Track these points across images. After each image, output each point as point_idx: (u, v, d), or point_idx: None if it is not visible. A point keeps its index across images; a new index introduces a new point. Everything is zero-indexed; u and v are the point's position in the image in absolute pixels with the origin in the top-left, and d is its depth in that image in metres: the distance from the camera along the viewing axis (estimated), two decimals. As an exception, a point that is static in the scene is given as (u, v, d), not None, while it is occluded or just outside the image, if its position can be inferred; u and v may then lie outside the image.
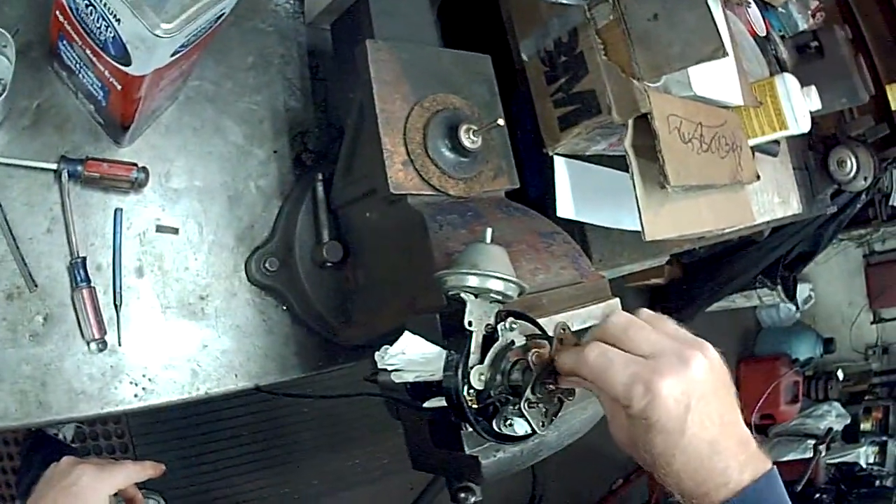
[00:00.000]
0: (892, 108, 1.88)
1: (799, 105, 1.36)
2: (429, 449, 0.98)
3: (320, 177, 1.11)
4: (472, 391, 0.74)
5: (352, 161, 1.07)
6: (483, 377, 0.73)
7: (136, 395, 1.03)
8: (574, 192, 1.19)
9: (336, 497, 2.44)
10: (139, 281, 1.05)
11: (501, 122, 0.98)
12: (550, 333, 0.76)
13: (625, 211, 1.18)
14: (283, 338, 1.14)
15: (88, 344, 1.00)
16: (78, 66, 0.93)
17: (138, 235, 1.06)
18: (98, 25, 0.79)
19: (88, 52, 0.87)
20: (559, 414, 0.77)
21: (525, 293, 0.89)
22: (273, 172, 1.17)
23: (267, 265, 1.12)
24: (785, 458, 2.85)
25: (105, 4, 0.75)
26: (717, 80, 1.21)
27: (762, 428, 3.12)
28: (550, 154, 1.16)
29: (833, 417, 3.10)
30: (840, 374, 3.31)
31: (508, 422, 0.75)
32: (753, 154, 1.46)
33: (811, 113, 1.40)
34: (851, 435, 3.10)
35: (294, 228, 1.12)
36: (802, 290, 3.09)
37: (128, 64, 0.82)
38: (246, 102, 1.15)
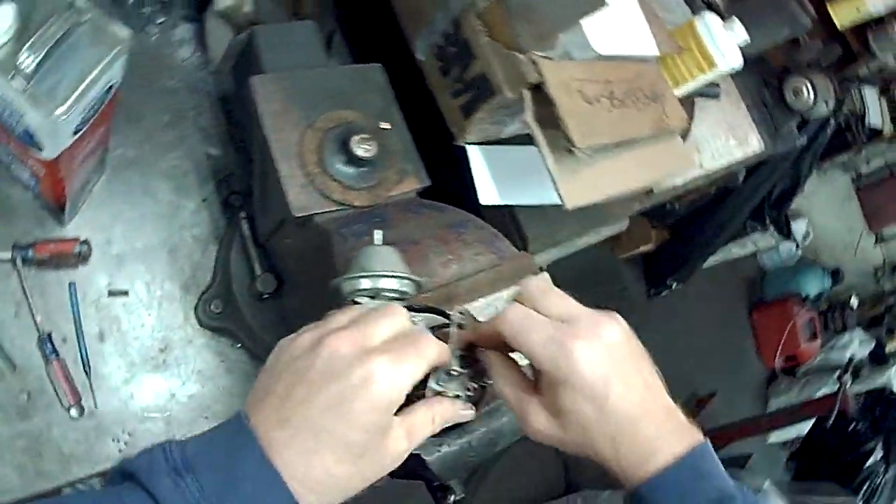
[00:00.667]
0: (838, 27, 1.81)
1: (724, 41, 1.32)
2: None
3: (243, 214, 1.15)
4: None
5: (264, 194, 1.11)
6: None
7: (119, 451, 1.10)
8: (494, 176, 1.19)
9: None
10: (102, 345, 1.11)
11: (385, 125, 1.00)
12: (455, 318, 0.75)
13: (551, 186, 1.17)
14: (243, 374, 1.19)
15: (68, 410, 1.06)
16: (9, 159, 1.02)
17: (93, 303, 1.12)
18: (10, 122, 0.87)
19: (12, 145, 0.95)
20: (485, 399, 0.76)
21: (426, 287, 0.90)
22: (205, 219, 1.21)
23: (212, 308, 1.16)
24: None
25: (11, 101, 0.83)
26: (623, 35, 1.19)
27: (788, 370, 3.03)
28: (462, 144, 1.16)
29: (856, 345, 3.00)
30: (854, 302, 3.20)
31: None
32: (692, 101, 1.43)
33: (745, 48, 1.35)
34: (880, 357, 2.96)
35: (230, 268, 1.16)
36: (799, 227, 2.99)
37: (41, 149, 0.89)
38: (168, 160, 1.20)
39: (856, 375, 2.44)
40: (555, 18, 1.04)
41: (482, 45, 1.08)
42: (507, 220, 1.25)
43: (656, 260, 2.37)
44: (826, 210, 3.23)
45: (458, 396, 0.71)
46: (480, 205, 1.18)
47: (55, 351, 1.07)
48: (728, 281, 2.98)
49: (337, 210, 1.03)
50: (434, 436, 0.81)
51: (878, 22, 1.87)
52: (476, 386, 0.73)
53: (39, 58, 0.78)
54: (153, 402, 1.13)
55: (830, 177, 3.06)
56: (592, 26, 1.13)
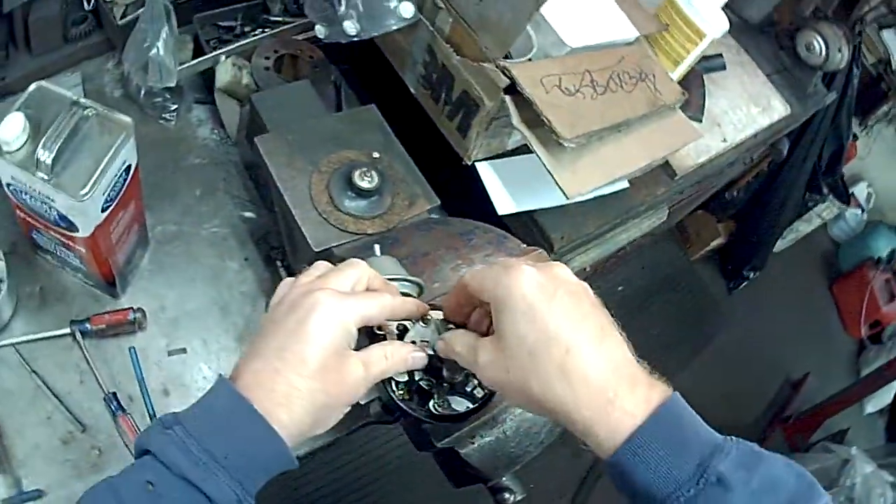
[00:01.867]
0: None
1: (704, 7, 1.34)
2: (445, 464, 1.05)
3: (279, 264, 1.25)
4: (400, 385, 0.80)
5: (292, 241, 1.20)
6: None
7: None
8: (507, 186, 1.24)
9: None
10: (167, 399, 1.22)
11: (376, 154, 1.08)
12: None
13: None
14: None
15: None
16: (53, 246, 1.15)
17: (155, 363, 1.23)
18: (43, 209, 1.01)
19: (52, 232, 1.08)
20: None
21: (444, 287, 0.96)
22: (250, 277, 1.32)
23: (267, 354, 1.25)
24: None
25: (39, 192, 0.97)
26: (595, 25, 1.24)
27: (875, 337, 2.85)
28: (469, 164, 1.23)
29: None
30: None
31: (443, 401, 0.79)
32: (700, 76, 1.44)
33: (751, 15, 1.36)
34: None
35: (276, 314, 1.25)
36: (861, 190, 2.86)
37: (76, 230, 1.03)
38: (207, 228, 1.32)
39: None
40: (508, 23, 1.09)
41: (456, 65, 1.15)
42: (529, 226, 1.29)
43: (729, 253, 2.33)
44: (883, 168, 3.08)
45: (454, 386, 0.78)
46: (501, 216, 1.23)
47: (121, 406, 1.16)
48: (803, 260, 2.89)
49: (354, 240, 1.11)
50: (464, 428, 0.87)
51: (874, -42, 1.82)
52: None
53: (55, 151, 0.92)
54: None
55: (878, 132, 2.92)
56: (562, 23, 1.19)
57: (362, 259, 0.95)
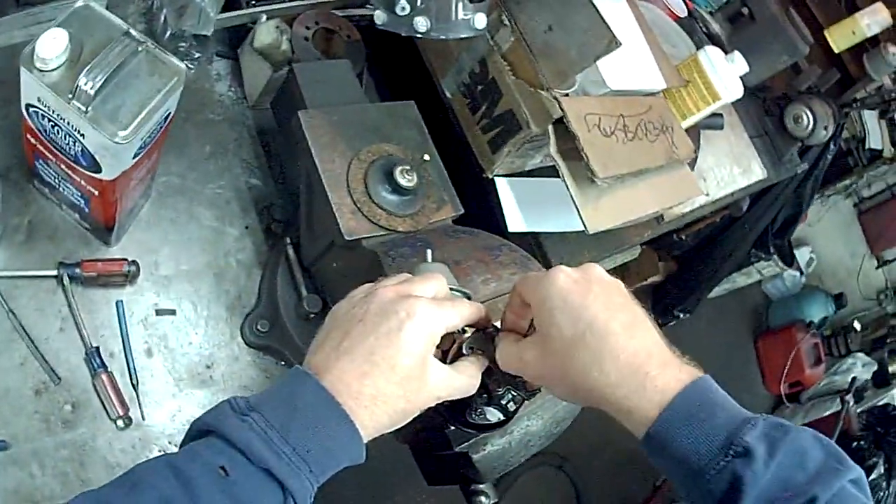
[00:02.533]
0: (836, 51, 1.92)
1: (726, 73, 1.43)
2: (434, 462, 1.08)
3: (289, 241, 1.23)
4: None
5: (311, 221, 1.19)
6: None
7: (165, 461, 1.16)
8: (521, 206, 1.28)
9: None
10: (150, 360, 1.18)
11: (427, 157, 1.09)
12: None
13: (573, 213, 1.27)
14: (287, 390, 1.25)
15: (115, 422, 1.12)
16: (57, 180, 1.07)
17: (141, 321, 1.18)
18: (66, 142, 0.93)
19: (63, 166, 1.00)
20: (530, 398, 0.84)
21: (474, 298, 1.00)
22: (248, 246, 1.29)
23: (259, 327, 1.24)
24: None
25: (68, 123, 0.89)
26: (633, 71, 1.30)
27: (793, 396, 3.09)
28: (490, 177, 1.26)
29: (860, 368, 3.08)
30: (857, 326, 3.26)
31: (479, 411, 0.82)
32: (698, 132, 1.54)
33: (748, 78, 1.46)
34: (882, 380, 3.06)
35: (276, 291, 1.23)
36: (803, 254, 3.07)
37: (99, 171, 0.95)
38: (211, 188, 1.28)
39: (859, 398, 2.51)
40: (573, 58, 1.14)
41: (507, 83, 1.18)
42: (532, 246, 1.34)
43: (664, 291, 2.43)
44: (829, 236, 3.29)
45: (490, 398, 0.81)
46: (508, 232, 1.27)
47: (104, 364, 1.12)
48: (734, 310, 3.04)
49: (382, 235, 1.11)
50: (479, 435, 0.91)
51: (873, 44, 1.95)
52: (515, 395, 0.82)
53: (100, 82, 0.84)
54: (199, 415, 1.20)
55: (833, 203, 3.13)
56: (605, 63, 1.24)
57: (403, 264, 0.98)
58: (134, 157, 0.96)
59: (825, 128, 1.75)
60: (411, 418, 0.71)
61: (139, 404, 1.14)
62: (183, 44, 1.26)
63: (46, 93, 0.87)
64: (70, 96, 0.85)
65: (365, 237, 1.10)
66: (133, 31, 0.89)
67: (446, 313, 0.72)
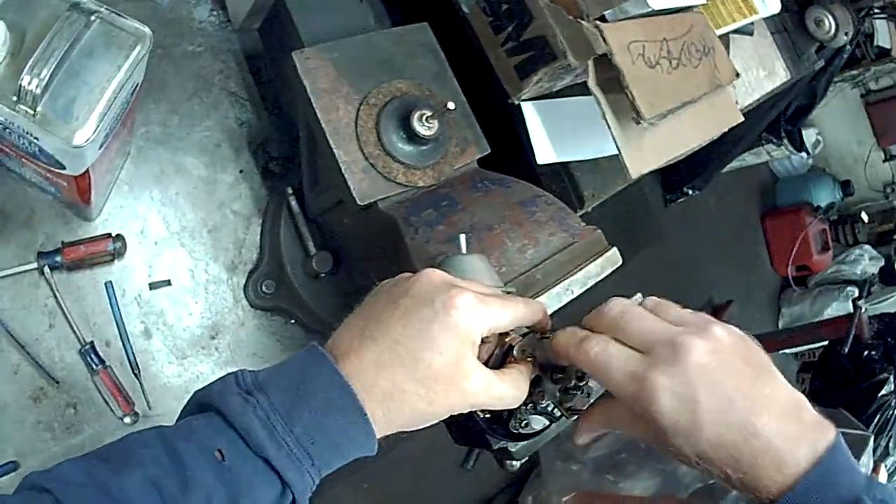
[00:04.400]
0: None
1: (763, -14, 1.26)
2: (464, 432, 1.01)
3: (290, 191, 1.09)
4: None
5: (315, 173, 1.04)
6: None
7: (180, 450, 1.08)
8: (549, 133, 1.14)
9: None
10: (149, 342, 1.07)
11: (452, 105, 0.93)
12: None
13: (604, 138, 1.12)
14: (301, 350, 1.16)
15: (122, 419, 1.03)
16: (22, 170, 0.92)
17: (134, 300, 1.06)
18: (22, 143, 0.77)
19: (24, 160, 0.85)
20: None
21: (516, 278, 0.88)
22: (245, 192, 1.15)
23: (264, 288, 1.12)
24: (829, 312, 2.83)
25: (18, 127, 0.73)
26: (672, -14, 1.11)
27: (800, 280, 3.07)
28: (516, 103, 1.10)
29: (867, 261, 3.02)
30: (864, 216, 3.16)
31: (524, 422, 0.74)
32: (727, 38, 1.36)
33: None
34: (888, 277, 3.00)
35: (279, 246, 1.11)
36: (809, 135, 2.92)
37: (63, 168, 0.80)
38: (198, 132, 1.12)
39: (867, 293, 2.48)
40: None
41: (540, 6, 1.00)
42: (562, 177, 1.20)
43: (674, 168, 2.32)
44: (836, 122, 3.17)
45: (536, 405, 0.71)
46: (536, 163, 1.13)
47: (101, 360, 1.01)
48: (742, 187, 2.92)
49: (400, 193, 0.98)
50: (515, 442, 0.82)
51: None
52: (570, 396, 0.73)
53: (47, 76, 0.68)
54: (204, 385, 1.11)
55: (840, 90, 2.98)
56: (644, -20, 1.05)
57: (443, 243, 0.86)
58: (101, 148, 0.80)
59: (846, 33, 1.63)
60: (437, 421, 0.61)
61: (143, 393, 1.05)
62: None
63: (-14, 100, 0.69)
64: (14, 99, 0.69)
65: (381, 198, 0.96)
66: (83, 1, 0.71)
67: (493, 312, 0.61)
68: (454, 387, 0.58)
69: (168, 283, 1.08)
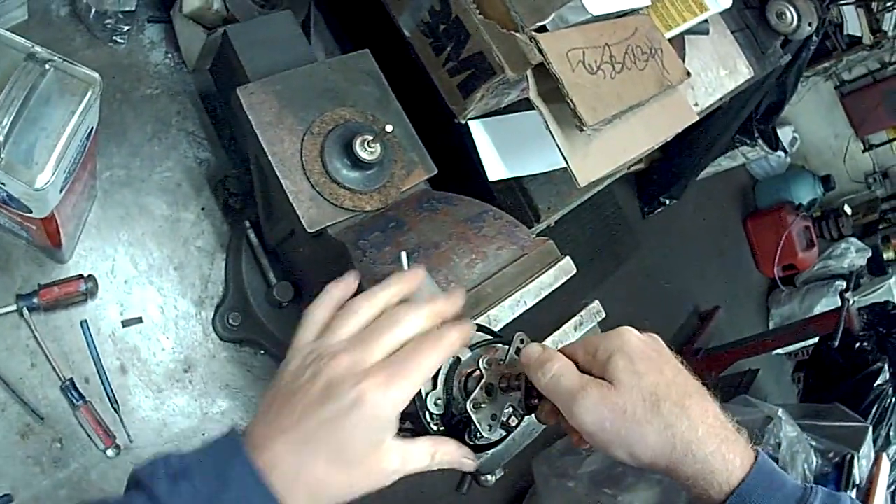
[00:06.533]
0: None
1: (713, -18, 1.26)
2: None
3: (248, 224, 1.11)
4: (435, 416, 0.75)
5: (268, 204, 1.07)
6: (440, 401, 0.74)
7: (160, 481, 1.10)
8: (499, 149, 1.15)
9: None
10: (125, 377, 1.10)
11: (389, 127, 0.95)
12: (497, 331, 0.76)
13: (554, 150, 1.14)
14: (271, 380, 1.18)
15: (104, 452, 1.06)
16: None
17: (109, 337, 1.09)
18: None
19: None
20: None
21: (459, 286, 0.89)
22: (207, 229, 1.17)
23: (230, 321, 1.14)
24: (819, 309, 2.80)
25: None
26: (609, -12, 1.12)
27: (787, 279, 3.02)
28: (463, 122, 1.12)
29: (854, 254, 2.98)
30: (847, 209, 3.14)
31: (477, 434, 0.75)
32: (682, 39, 1.37)
33: None
34: (877, 267, 3.00)
35: (242, 279, 1.13)
36: (786, 133, 2.89)
37: (30, 211, 0.84)
38: (159, 172, 1.15)
39: (856, 286, 2.44)
40: None
41: (475, 23, 1.02)
42: (516, 193, 1.21)
43: (648, 179, 2.30)
44: (812, 117, 3.13)
45: (493, 416, 0.72)
46: (488, 180, 1.14)
47: (81, 396, 1.05)
48: (720, 192, 2.89)
49: (349, 218, 0.99)
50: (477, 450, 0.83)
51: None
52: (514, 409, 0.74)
53: (8, 122, 0.72)
54: (187, 425, 1.13)
55: (813, 84, 2.95)
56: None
57: (390, 264, 0.87)
58: (62, 191, 0.84)
59: (809, 23, 1.61)
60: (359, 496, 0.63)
61: (123, 427, 1.08)
62: (110, 20, 1.10)
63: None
64: None
65: (329, 224, 0.98)
66: (37, 49, 0.75)
67: (403, 388, 0.60)
68: (374, 469, 0.60)
69: (140, 320, 1.11)
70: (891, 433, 1.91)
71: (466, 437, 0.75)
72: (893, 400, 1.94)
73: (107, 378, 1.08)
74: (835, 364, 2.07)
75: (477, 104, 1.09)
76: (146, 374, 1.11)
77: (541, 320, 1.00)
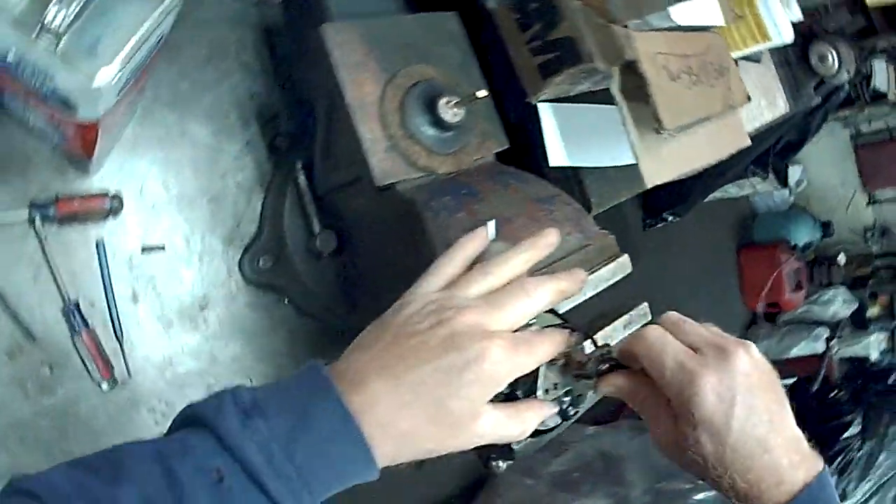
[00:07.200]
0: (868, 3, 1.80)
1: (780, 16, 1.30)
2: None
3: (300, 165, 1.06)
4: (500, 395, 0.73)
5: (330, 148, 1.02)
6: None
7: (155, 422, 1.03)
8: (564, 137, 1.14)
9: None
10: (136, 307, 1.02)
11: (482, 93, 0.93)
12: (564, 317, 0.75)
13: (618, 147, 1.14)
14: (290, 333, 1.13)
15: (99, 385, 0.98)
16: (26, 114, 0.87)
17: (125, 261, 1.02)
18: (35, 81, 0.73)
19: (32, 102, 0.80)
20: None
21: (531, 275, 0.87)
22: (249, 165, 1.12)
23: (261, 263, 1.09)
24: (796, 351, 2.85)
25: (34, 62, 0.69)
26: (695, 4, 1.13)
27: (770, 316, 3.09)
28: (534, 103, 1.10)
29: (840, 303, 3.06)
30: (842, 259, 3.21)
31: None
32: (736, 65, 1.40)
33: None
34: (859, 321, 3.07)
35: (282, 222, 1.08)
36: (794, 172, 2.95)
37: (74, 111, 0.76)
38: (208, 99, 1.09)
39: (837, 336, 2.53)
40: None
41: (571, 7, 1.00)
42: (571, 182, 1.20)
43: (655, 194, 2.32)
44: (823, 161, 3.17)
45: (560, 401, 0.71)
46: (546, 165, 1.13)
47: (84, 321, 0.96)
48: (721, 218, 2.92)
49: (420, 177, 0.96)
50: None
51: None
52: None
53: (75, 10, 0.65)
54: (194, 366, 1.06)
55: (831, 129, 3.00)
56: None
57: (463, 231, 0.85)
58: (118, 94, 0.77)
59: (848, 70, 1.68)
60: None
61: (124, 359, 1.00)
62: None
63: (5, 32, 0.67)
64: (36, 32, 0.66)
65: (401, 180, 0.95)
66: None
67: (522, 363, 0.60)
68: (467, 430, 0.58)
69: (162, 248, 1.05)
70: (850, 486, 1.99)
71: None
72: (859, 454, 2.02)
73: (115, 305, 1.00)
74: (807, 407, 2.13)
75: (554, 87, 1.08)
76: (159, 306, 1.04)
77: (589, 313, 0.99)
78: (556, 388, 0.73)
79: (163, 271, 1.04)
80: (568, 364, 0.74)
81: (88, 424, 0.97)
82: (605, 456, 1.87)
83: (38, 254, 0.95)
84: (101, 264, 1.00)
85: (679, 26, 1.07)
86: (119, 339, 1.01)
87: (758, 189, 2.57)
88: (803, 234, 3.07)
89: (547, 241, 0.71)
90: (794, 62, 1.66)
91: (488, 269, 0.65)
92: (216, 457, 0.49)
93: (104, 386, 0.98)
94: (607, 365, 0.74)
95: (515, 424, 0.62)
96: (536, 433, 0.79)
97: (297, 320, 1.13)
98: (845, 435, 2.05)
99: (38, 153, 0.96)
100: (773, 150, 2.21)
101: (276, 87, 1.14)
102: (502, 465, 0.99)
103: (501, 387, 0.59)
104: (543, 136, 1.12)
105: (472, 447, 0.62)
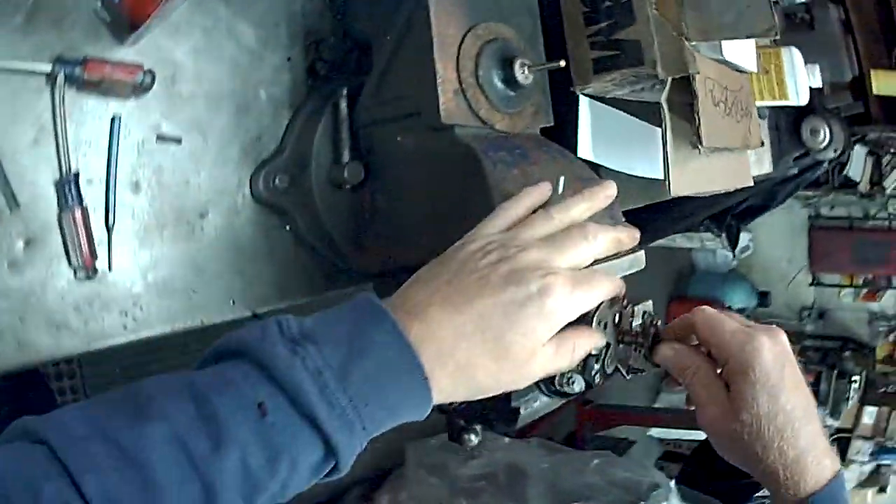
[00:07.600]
0: (873, 92, 1.94)
1: (802, 79, 1.40)
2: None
3: (345, 91, 1.02)
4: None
5: (386, 79, 0.99)
6: None
7: (125, 327, 0.92)
8: (594, 133, 1.17)
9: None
10: (134, 197, 0.93)
11: (561, 63, 0.94)
12: None
13: (638, 158, 1.19)
14: (284, 261, 1.07)
15: (75, 271, 0.87)
16: None
17: (136, 146, 0.93)
18: None
19: None
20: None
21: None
22: (285, 81, 1.06)
23: (277, 182, 1.03)
24: None
25: None
26: (739, 44, 1.21)
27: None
28: (577, 93, 1.13)
29: None
30: None
31: (571, 379, 0.74)
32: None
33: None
34: None
35: (310, 145, 1.03)
36: (742, 238, 3.10)
37: None
38: (263, 4, 1.04)
39: None
40: (727, 23, 1.03)
41: (646, 13, 1.04)
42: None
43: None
44: (774, 234, 3.31)
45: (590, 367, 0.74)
46: (576, 154, 1.15)
47: (80, 197, 0.87)
48: (660, 266, 3.01)
49: (477, 128, 0.96)
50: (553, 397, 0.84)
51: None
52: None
53: None
54: (179, 274, 0.97)
55: (790, 206, 3.14)
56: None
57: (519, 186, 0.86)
58: None
59: (836, 149, 1.80)
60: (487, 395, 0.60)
61: (109, 251, 0.90)
62: None
63: None
64: None
65: (461, 125, 0.93)
66: None
67: (583, 300, 0.62)
68: (522, 366, 0.58)
69: (178, 141, 0.97)
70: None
71: (556, 381, 0.75)
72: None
73: (114, 188, 0.91)
74: (723, 462, 2.19)
75: (602, 84, 1.11)
76: (159, 201, 0.96)
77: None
78: (606, 353, 0.74)
79: (171, 166, 0.97)
80: (619, 323, 0.76)
81: (51, 316, 0.86)
82: (512, 469, 1.88)
83: (47, 114, 0.85)
84: (111, 140, 0.91)
85: (724, 61, 1.14)
86: (109, 228, 0.91)
87: (706, 245, 2.68)
88: (739, 299, 3.23)
89: (607, 193, 0.74)
90: (783, 128, 1.75)
91: (551, 214, 0.68)
92: (259, 389, 0.45)
93: (80, 273, 0.88)
94: (654, 331, 0.78)
95: (564, 354, 0.62)
96: (563, 394, 0.79)
97: (295, 250, 1.08)
98: (759, 493, 2.13)
99: (77, 10, 0.87)
100: (734, 210, 2.29)
101: (328, 13, 1.10)
102: (474, 439, 0.98)
103: (562, 324, 0.60)
104: (578, 126, 1.15)
105: (526, 384, 0.62)
